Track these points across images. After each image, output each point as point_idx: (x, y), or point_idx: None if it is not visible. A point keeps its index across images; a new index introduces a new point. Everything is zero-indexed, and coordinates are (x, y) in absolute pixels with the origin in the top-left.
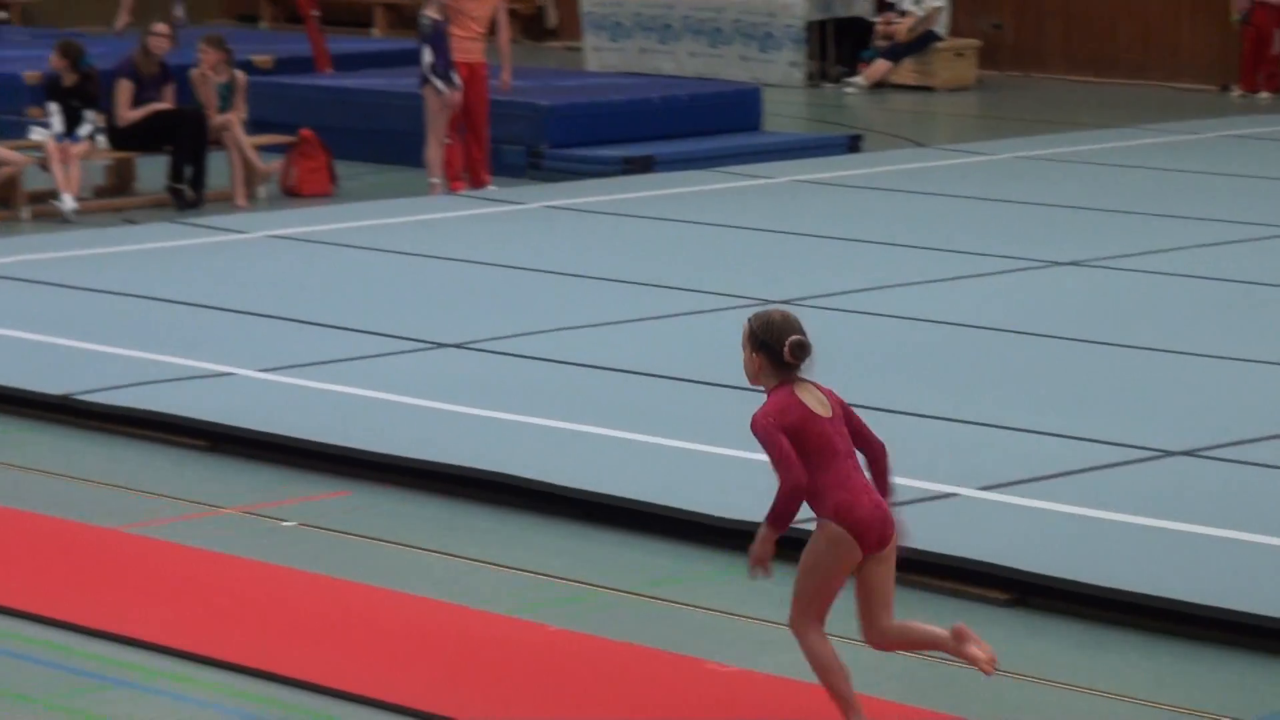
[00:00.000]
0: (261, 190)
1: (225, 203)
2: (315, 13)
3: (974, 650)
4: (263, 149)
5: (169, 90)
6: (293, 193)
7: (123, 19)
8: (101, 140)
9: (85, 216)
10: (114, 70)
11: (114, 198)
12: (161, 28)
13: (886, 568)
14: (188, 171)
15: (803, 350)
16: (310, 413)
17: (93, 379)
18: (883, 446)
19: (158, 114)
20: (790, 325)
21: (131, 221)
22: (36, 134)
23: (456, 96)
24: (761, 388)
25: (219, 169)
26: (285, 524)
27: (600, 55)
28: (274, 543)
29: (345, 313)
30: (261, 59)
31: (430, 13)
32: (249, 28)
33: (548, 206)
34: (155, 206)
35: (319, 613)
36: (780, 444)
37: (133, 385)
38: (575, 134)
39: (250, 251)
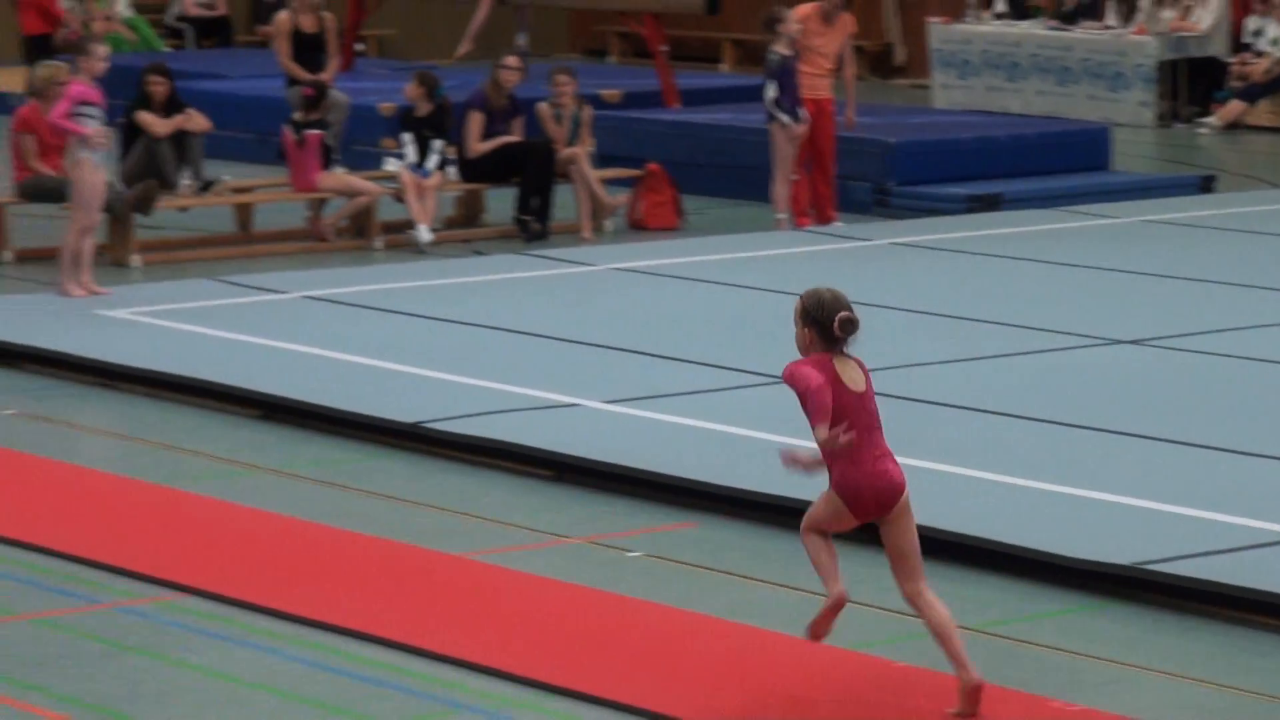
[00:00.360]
0: (608, 223)
1: (571, 235)
2: (664, 48)
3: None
4: (609, 182)
5: (518, 123)
6: (639, 226)
7: (465, 46)
8: (452, 172)
9: (435, 247)
10: (465, 103)
11: (463, 229)
12: (512, 61)
13: (897, 529)
14: (534, 203)
15: (851, 326)
16: (655, 444)
17: (441, 407)
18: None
19: (506, 146)
20: (839, 303)
21: (480, 253)
22: (390, 165)
23: (802, 128)
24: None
25: (566, 202)
26: (630, 554)
27: (948, 93)
28: (619, 573)
29: (690, 346)
30: (610, 93)
31: (780, 48)
32: (597, 62)
33: (893, 243)
34: (502, 238)
35: (663, 643)
36: (815, 393)
37: (480, 414)
38: (922, 171)
39: (596, 284)
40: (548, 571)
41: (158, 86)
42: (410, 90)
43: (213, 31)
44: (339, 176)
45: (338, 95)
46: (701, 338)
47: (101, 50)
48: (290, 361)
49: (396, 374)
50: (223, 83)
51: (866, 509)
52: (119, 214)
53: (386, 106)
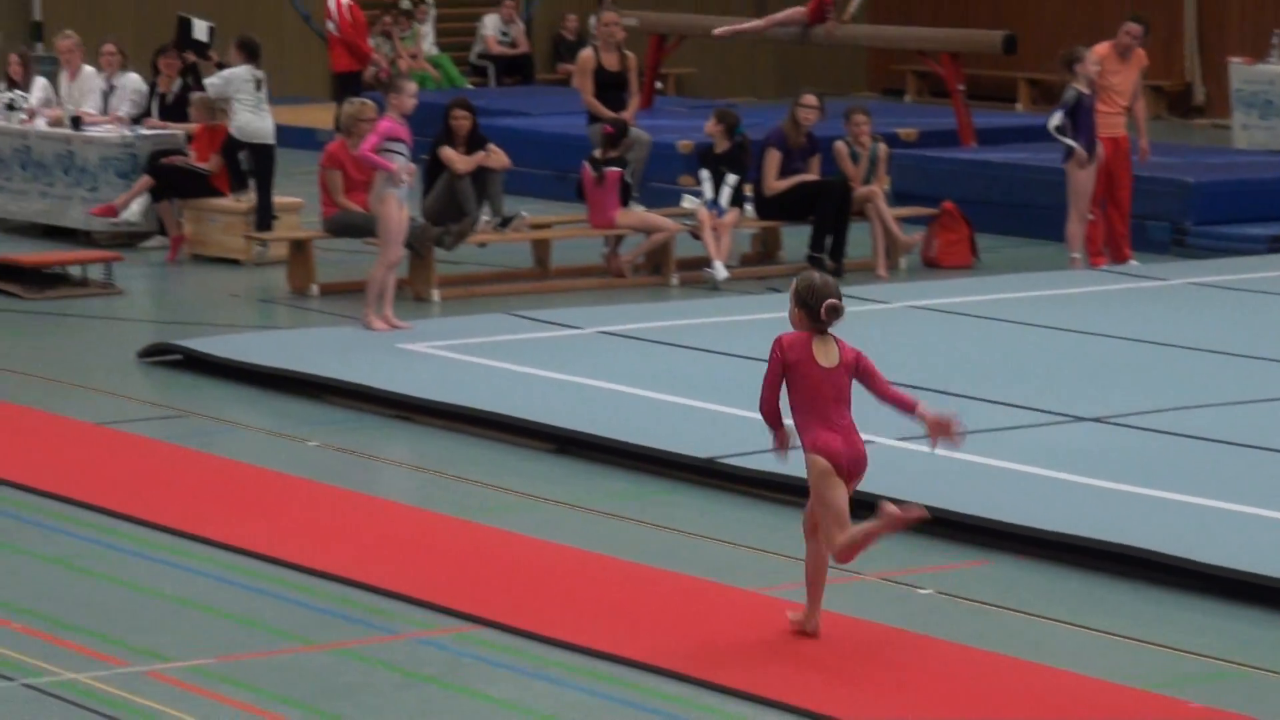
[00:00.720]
0: (903, 261)
1: (867, 273)
2: (960, 87)
3: (891, 509)
4: (905, 220)
5: (815, 161)
6: (933, 264)
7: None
8: (749, 209)
9: (730, 283)
10: (763, 140)
11: (758, 266)
12: (810, 100)
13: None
14: (829, 241)
15: (835, 312)
16: (948, 482)
17: (736, 443)
18: (891, 391)
19: (803, 184)
20: (828, 290)
21: (775, 289)
22: (688, 202)
23: (1099, 156)
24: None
25: (861, 239)
26: (921, 591)
27: (1249, 133)
28: (910, 609)
29: (983, 383)
30: (906, 132)
31: (1079, 86)
32: (894, 101)
33: (1190, 283)
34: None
35: (954, 681)
36: (771, 370)
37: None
38: (1221, 211)
39: (891, 321)
40: (839, 608)
41: (461, 121)
42: (710, 127)
43: (515, 69)
44: (637, 213)
45: (639, 133)
46: (996, 376)
47: (411, 87)
48: (585, 396)
49: (691, 409)
50: (524, 120)
51: (845, 470)
52: (420, 250)
53: (685, 144)
